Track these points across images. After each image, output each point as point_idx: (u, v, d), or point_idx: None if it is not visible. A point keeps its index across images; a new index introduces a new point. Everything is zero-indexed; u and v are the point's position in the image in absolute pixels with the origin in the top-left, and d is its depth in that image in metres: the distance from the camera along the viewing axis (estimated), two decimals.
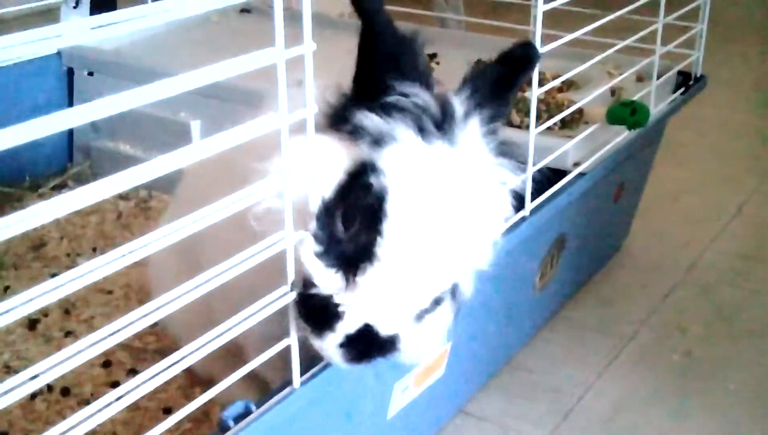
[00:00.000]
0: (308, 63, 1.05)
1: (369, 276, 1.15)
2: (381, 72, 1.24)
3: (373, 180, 1.16)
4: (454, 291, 1.27)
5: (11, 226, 0.79)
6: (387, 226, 1.15)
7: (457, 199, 1.19)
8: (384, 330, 1.17)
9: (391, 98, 1.21)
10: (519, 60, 1.41)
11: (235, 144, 1.00)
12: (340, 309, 1.14)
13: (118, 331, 0.94)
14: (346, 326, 1.15)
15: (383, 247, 1.14)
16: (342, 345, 1.17)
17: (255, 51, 1.01)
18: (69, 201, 0.84)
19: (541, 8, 1.64)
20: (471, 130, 1.25)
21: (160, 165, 0.90)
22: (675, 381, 2.03)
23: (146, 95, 0.88)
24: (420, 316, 1.22)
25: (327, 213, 1.17)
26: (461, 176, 1.20)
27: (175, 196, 1.90)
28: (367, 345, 1.17)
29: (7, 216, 0.80)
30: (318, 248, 1.16)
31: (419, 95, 1.22)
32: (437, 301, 1.25)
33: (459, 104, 1.26)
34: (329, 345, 1.17)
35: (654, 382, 2.03)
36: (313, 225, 1.17)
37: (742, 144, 3.57)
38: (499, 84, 1.37)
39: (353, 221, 1.17)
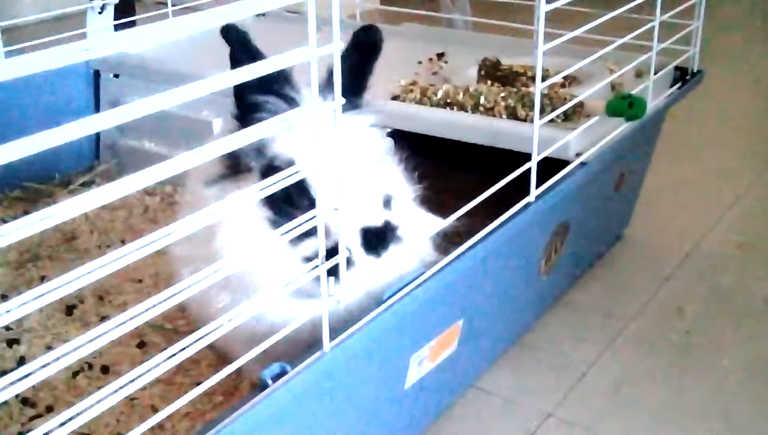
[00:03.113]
0: (336, 59, 1.18)
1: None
2: (247, 92, 1.56)
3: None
4: (389, 200, 1.61)
5: (44, 220, 0.86)
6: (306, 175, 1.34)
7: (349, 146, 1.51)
8: (373, 221, 1.53)
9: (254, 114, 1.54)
10: (367, 46, 1.62)
11: (250, 141, 1.09)
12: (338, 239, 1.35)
13: (145, 311, 1.03)
14: (354, 241, 1.50)
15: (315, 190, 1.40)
16: (369, 251, 1.51)
17: (274, 50, 1.11)
18: (98, 196, 0.90)
19: (544, 8, 1.73)
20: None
21: (183, 161, 0.99)
22: (673, 359, 2.14)
23: (180, 96, 0.96)
24: (386, 205, 1.58)
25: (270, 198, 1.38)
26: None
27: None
28: (374, 236, 1.53)
29: (40, 210, 0.86)
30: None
31: (271, 102, 1.56)
32: (387, 202, 1.59)
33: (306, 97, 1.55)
34: (360, 256, 1.50)
35: (653, 359, 2.14)
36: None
37: (740, 138, 3.69)
38: (354, 71, 1.60)
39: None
